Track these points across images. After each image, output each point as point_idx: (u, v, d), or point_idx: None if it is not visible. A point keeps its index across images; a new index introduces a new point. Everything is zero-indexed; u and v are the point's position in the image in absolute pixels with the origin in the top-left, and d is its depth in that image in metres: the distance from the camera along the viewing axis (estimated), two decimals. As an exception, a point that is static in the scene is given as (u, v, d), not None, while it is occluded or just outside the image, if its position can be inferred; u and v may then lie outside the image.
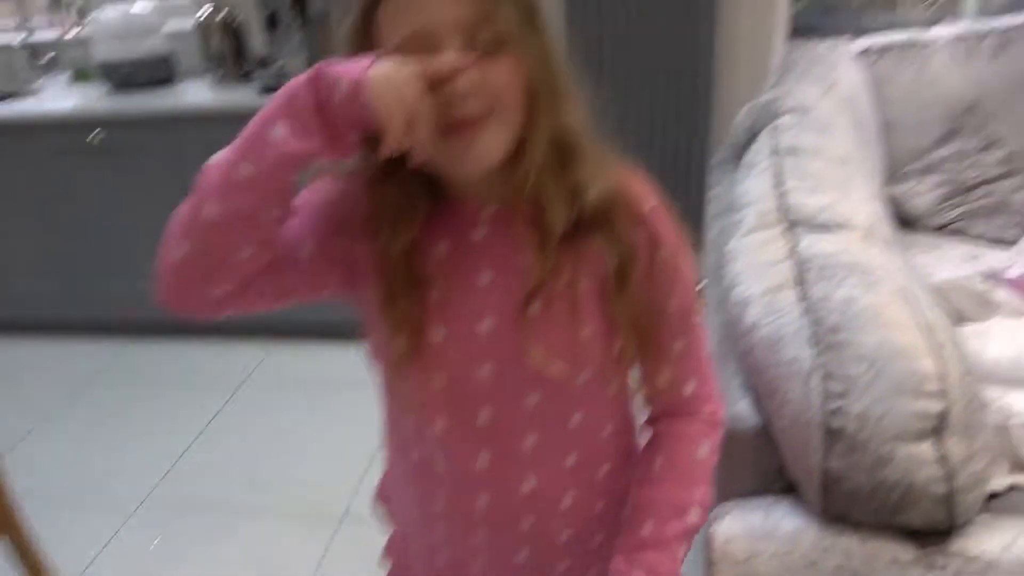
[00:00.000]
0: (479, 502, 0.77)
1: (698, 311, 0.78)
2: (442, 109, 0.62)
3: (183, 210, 0.66)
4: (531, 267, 0.68)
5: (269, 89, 2.38)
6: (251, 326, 2.66)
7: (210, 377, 2.55)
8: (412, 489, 0.82)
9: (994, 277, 1.64)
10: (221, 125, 2.29)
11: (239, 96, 2.42)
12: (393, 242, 0.69)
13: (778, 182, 1.27)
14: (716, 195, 1.68)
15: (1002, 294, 1.49)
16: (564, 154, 0.68)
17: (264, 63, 2.62)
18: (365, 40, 0.66)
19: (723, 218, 1.49)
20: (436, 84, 0.61)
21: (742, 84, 2.60)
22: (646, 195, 0.73)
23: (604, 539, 0.80)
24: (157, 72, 2.64)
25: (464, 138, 0.64)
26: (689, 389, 0.78)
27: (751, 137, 1.64)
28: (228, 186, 0.64)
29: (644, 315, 0.73)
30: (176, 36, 2.77)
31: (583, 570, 0.82)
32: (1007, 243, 1.99)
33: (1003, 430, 1.07)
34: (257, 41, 2.64)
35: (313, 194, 0.73)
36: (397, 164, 0.65)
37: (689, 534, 0.77)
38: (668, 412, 0.80)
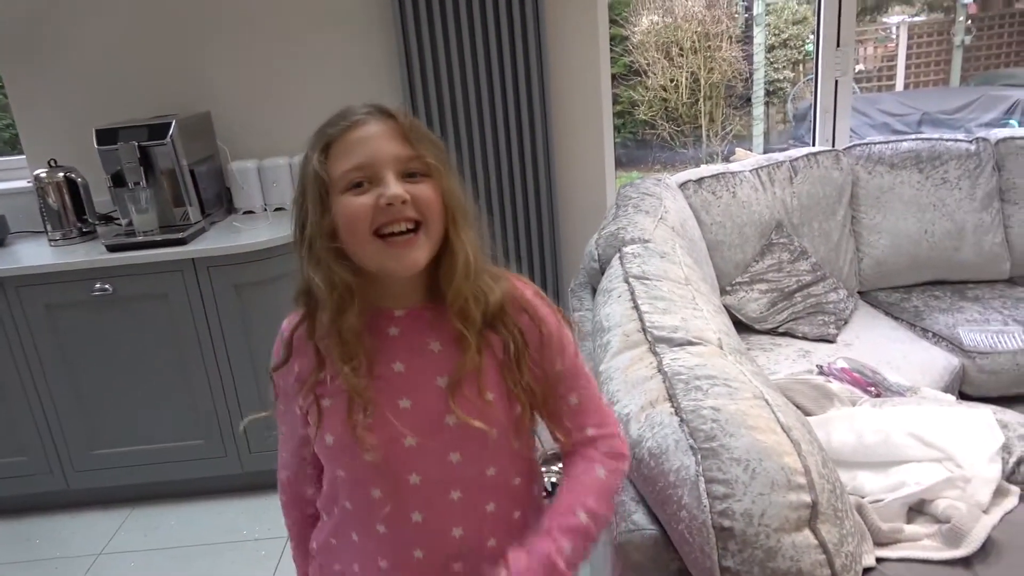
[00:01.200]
0: (416, 552, 0.91)
1: (584, 369, 0.97)
2: (389, 224, 0.83)
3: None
4: (446, 354, 0.88)
5: (115, 248, 2.30)
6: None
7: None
8: (355, 544, 0.94)
9: (826, 371, 1.84)
10: (61, 285, 2.21)
11: (81, 254, 2.31)
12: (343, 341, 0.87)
13: (635, 305, 1.40)
14: (580, 318, 1.80)
15: (836, 386, 1.68)
16: (470, 265, 0.87)
17: (108, 220, 2.55)
18: (323, 169, 0.85)
19: (590, 340, 1.60)
20: (386, 206, 0.82)
21: (581, 216, 2.85)
22: (526, 288, 0.94)
23: None
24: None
25: (403, 247, 0.84)
26: (591, 432, 0.96)
27: (602, 264, 1.80)
28: None
29: (541, 381, 0.91)
30: (8, 195, 2.66)
31: None
32: (830, 339, 2.26)
33: (861, 509, 1.19)
34: (102, 199, 2.57)
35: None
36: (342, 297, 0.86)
37: (575, 531, 0.90)
38: (575, 452, 0.97)
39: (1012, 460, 1.46)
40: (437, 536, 0.91)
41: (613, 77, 2.82)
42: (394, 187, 0.83)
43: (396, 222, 0.83)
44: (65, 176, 2.47)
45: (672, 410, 1.04)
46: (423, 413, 0.88)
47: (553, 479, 2.23)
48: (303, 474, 1.02)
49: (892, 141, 2.63)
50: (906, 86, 7.78)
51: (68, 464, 2.48)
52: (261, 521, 2.42)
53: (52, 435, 2.45)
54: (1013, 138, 2.63)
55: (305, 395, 0.90)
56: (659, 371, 1.16)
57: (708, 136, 7.66)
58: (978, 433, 1.46)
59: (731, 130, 7.68)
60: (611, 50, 2.77)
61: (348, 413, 0.86)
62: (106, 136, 2.36)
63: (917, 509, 1.36)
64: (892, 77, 7.87)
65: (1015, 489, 1.39)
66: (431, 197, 0.85)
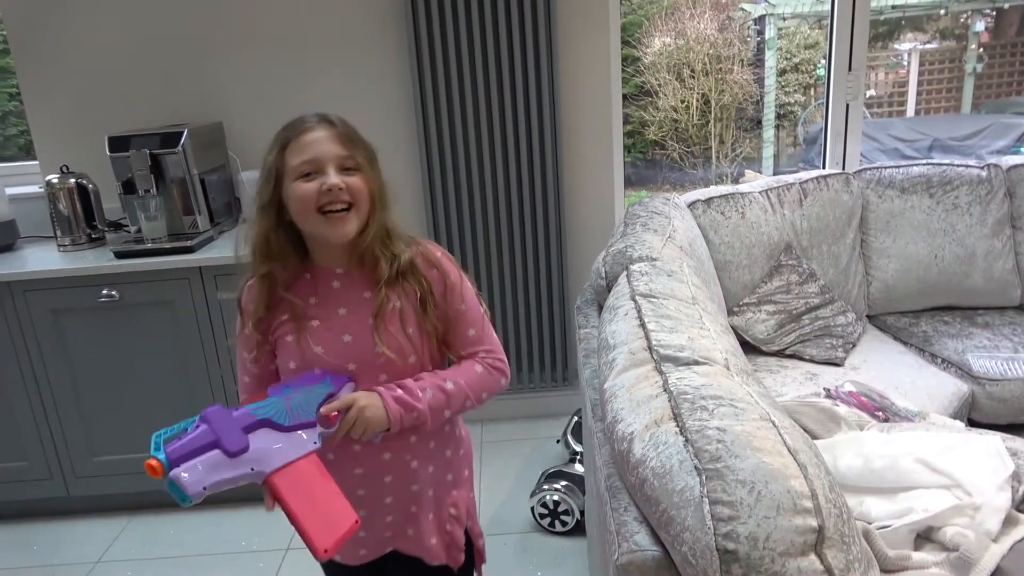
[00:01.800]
0: (355, 447, 1.22)
1: (480, 312, 1.28)
2: (329, 204, 1.13)
3: None
4: (372, 300, 1.18)
5: (123, 254, 2.31)
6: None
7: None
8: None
9: (833, 394, 1.83)
10: (68, 290, 2.22)
11: (89, 260, 2.32)
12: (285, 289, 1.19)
13: (641, 323, 1.39)
14: (586, 335, 1.79)
15: (843, 409, 1.66)
16: (388, 235, 1.20)
17: (118, 227, 2.56)
18: (279, 161, 1.15)
19: (596, 357, 1.58)
20: (327, 191, 1.12)
21: (589, 233, 2.84)
22: (436, 250, 1.25)
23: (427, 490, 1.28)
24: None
25: (336, 222, 1.14)
26: (482, 353, 1.27)
27: (609, 281, 1.79)
28: None
29: (445, 320, 1.23)
30: (20, 200, 2.68)
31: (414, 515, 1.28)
32: (837, 362, 2.24)
33: (867, 534, 1.17)
34: (112, 205, 2.59)
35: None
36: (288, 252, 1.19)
37: (439, 387, 1.19)
38: (466, 358, 1.27)
39: (1022, 489, 1.44)
40: (369, 451, 1.23)
41: (624, 97, 2.82)
42: (334, 178, 1.12)
43: (334, 203, 1.13)
44: (76, 182, 2.49)
45: (677, 429, 1.03)
46: (360, 344, 1.18)
47: (555, 496, 2.21)
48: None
49: (903, 165, 2.63)
50: (917, 112, 7.79)
51: (69, 470, 2.47)
52: (259, 533, 2.40)
53: (54, 440, 2.44)
54: (1025, 165, 2.62)
55: (269, 333, 1.21)
56: (665, 390, 1.14)
57: (718, 157, 7.67)
58: (988, 461, 1.44)
59: (741, 152, 7.69)
60: (623, 70, 2.78)
61: (297, 343, 1.17)
62: (118, 143, 2.37)
63: (925, 536, 1.34)
64: (903, 103, 7.88)
65: (1025, 519, 1.37)
66: (360, 186, 1.15)
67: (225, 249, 2.36)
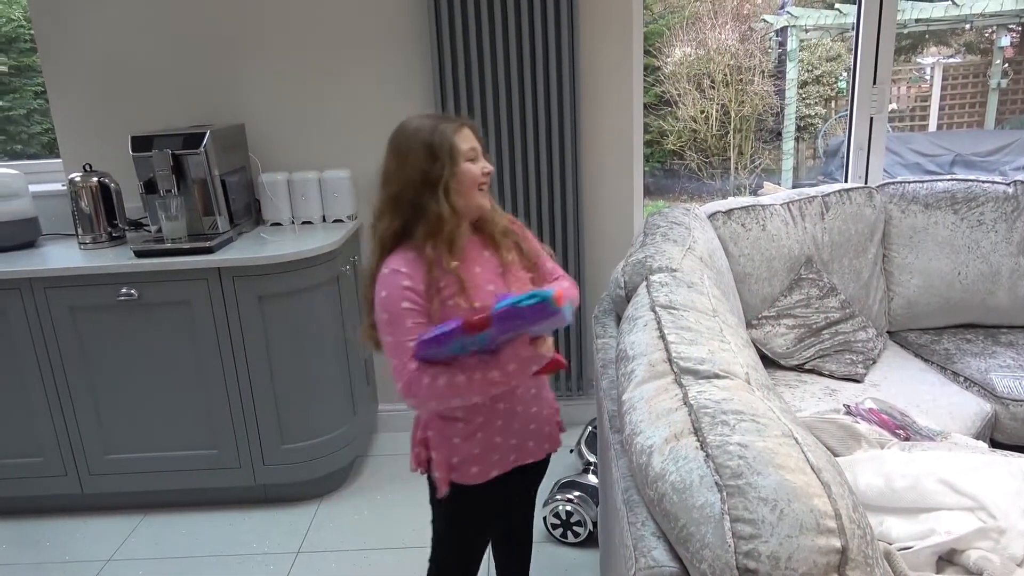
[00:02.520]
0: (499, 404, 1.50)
1: (545, 254, 1.61)
2: (484, 181, 1.45)
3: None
4: (492, 256, 1.50)
5: (143, 254, 2.32)
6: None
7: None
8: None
9: (853, 411, 1.80)
10: (87, 288, 2.23)
11: (109, 259, 2.33)
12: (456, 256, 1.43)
13: (661, 335, 1.37)
14: (603, 344, 1.77)
15: (864, 427, 1.63)
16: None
17: (138, 226, 2.58)
18: (443, 148, 1.39)
19: (614, 367, 1.57)
20: (486, 173, 1.45)
21: (607, 242, 2.83)
22: (513, 219, 1.56)
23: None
24: (20, 234, 2.54)
25: (484, 194, 1.46)
26: (559, 275, 1.61)
27: (628, 291, 1.77)
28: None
29: (533, 259, 1.55)
30: (43, 198, 2.71)
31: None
32: (857, 378, 2.21)
33: (889, 556, 1.14)
34: (133, 204, 2.61)
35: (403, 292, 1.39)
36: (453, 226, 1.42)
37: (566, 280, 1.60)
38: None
39: (1048, 514, 1.41)
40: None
41: (644, 106, 2.81)
42: (488, 164, 1.45)
43: (485, 181, 1.45)
44: (99, 181, 2.51)
45: (697, 444, 1.01)
46: (499, 290, 1.45)
47: (568, 507, 2.19)
48: None
49: (927, 181, 2.59)
50: (939, 127, 7.72)
51: (83, 467, 2.49)
52: (271, 535, 2.40)
53: (69, 437, 2.46)
54: (1052, 182, 2.58)
55: (431, 299, 1.39)
56: (684, 403, 1.13)
57: (736, 169, 7.63)
58: (1012, 483, 1.41)
59: (760, 164, 7.64)
60: (643, 80, 2.77)
61: (460, 294, 1.39)
62: (141, 143, 2.39)
63: (947, 559, 1.31)
64: (925, 117, 7.81)
65: (1051, 544, 1.34)
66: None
67: (244, 250, 2.36)
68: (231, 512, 2.54)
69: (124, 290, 2.30)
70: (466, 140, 1.41)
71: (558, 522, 2.23)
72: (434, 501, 1.60)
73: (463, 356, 1.33)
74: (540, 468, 1.66)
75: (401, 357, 1.36)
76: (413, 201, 1.38)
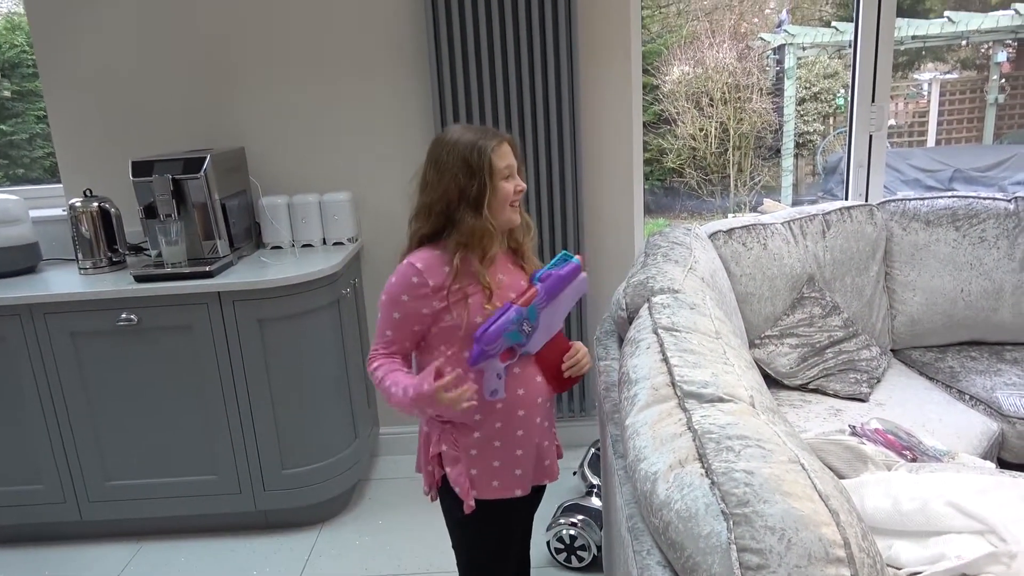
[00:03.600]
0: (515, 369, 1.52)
1: None
2: (515, 200, 1.50)
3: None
4: (515, 269, 1.56)
5: (143, 278, 2.31)
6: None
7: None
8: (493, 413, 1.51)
9: (859, 432, 1.78)
10: (87, 313, 2.22)
11: (109, 284, 2.33)
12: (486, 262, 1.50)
13: (664, 358, 1.36)
14: (606, 367, 1.76)
15: (870, 448, 1.61)
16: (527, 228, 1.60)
17: (138, 251, 2.58)
18: (482, 167, 1.44)
19: (616, 391, 1.56)
20: (519, 191, 1.50)
21: (608, 262, 2.82)
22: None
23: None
24: (21, 260, 2.54)
25: (516, 211, 1.51)
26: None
27: (630, 313, 1.76)
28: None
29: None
30: (44, 223, 2.71)
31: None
32: (862, 398, 2.19)
33: (899, 585, 1.12)
34: (133, 229, 2.61)
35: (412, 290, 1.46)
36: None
37: None
38: None
39: (1059, 536, 1.39)
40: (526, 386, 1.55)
41: (643, 125, 2.82)
42: (521, 183, 1.50)
43: (517, 199, 1.50)
44: (99, 206, 2.51)
45: (703, 471, 1.00)
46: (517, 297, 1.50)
47: (571, 531, 2.17)
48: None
49: (928, 198, 2.59)
50: (938, 142, 7.74)
51: (83, 494, 2.47)
52: (271, 562, 2.37)
53: (68, 464, 2.44)
54: (1053, 198, 2.57)
55: (449, 296, 1.45)
56: (689, 428, 1.11)
57: (736, 186, 7.64)
58: (1022, 506, 1.39)
59: (759, 181, 7.66)
60: (642, 98, 2.78)
61: (487, 300, 1.46)
62: (141, 168, 2.39)
63: (958, 585, 1.29)
64: (924, 133, 7.83)
65: (1063, 568, 1.32)
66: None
67: (244, 274, 2.36)
68: (231, 538, 2.51)
69: (124, 315, 2.29)
70: (503, 157, 1.46)
71: (562, 546, 2.21)
72: (452, 524, 1.58)
73: (510, 345, 1.44)
74: (543, 490, 1.68)
75: (378, 337, 1.51)
76: (447, 212, 1.46)
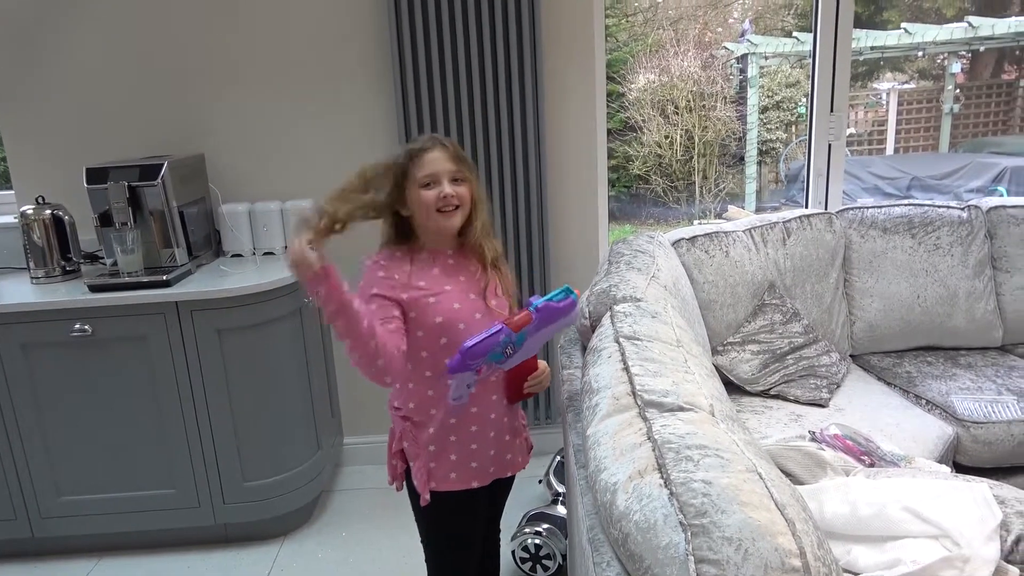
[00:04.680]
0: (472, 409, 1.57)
1: None
2: (443, 205, 1.50)
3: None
4: (478, 272, 1.58)
5: (97, 288, 2.26)
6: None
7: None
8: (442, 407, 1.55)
9: (818, 437, 1.80)
10: (39, 324, 2.16)
11: (62, 294, 2.27)
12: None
13: (625, 367, 1.36)
14: (569, 376, 1.76)
15: (829, 454, 1.63)
16: (488, 230, 1.59)
17: (93, 259, 2.51)
18: (403, 176, 1.51)
19: (579, 400, 1.55)
20: (442, 197, 1.49)
21: (573, 268, 2.82)
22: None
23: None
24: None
25: (448, 216, 1.52)
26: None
27: (593, 322, 1.77)
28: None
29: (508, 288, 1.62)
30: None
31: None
32: (822, 403, 2.22)
33: (855, 591, 1.13)
34: (88, 237, 2.54)
35: (372, 285, 1.50)
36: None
37: None
38: None
39: (1010, 539, 1.42)
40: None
41: (609, 132, 2.83)
42: (448, 188, 1.50)
43: (447, 205, 1.50)
44: (52, 214, 2.44)
45: (661, 481, 1.00)
46: (479, 301, 1.55)
47: (536, 540, 2.16)
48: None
49: (885, 206, 2.64)
50: (896, 150, 7.92)
51: (34, 510, 2.39)
52: (232, 576, 2.32)
53: (19, 479, 2.37)
54: (1004, 207, 2.64)
55: (412, 294, 1.49)
56: (649, 438, 1.11)
57: (701, 193, 7.73)
58: (976, 510, 1.41)
59: (724, 188, 7.76)
60: (608, 106, 2.79)
61: (441, 301, 1.50)
62: (96, 175, 2.34)
63: (914, 589, 1.31)
64: (883, 141, 8.01)
65: (1014, 570, 1.35)
66: (464, 194, 1.53)
67: (203, 283, 2.31)
68: (190, 553, 2.45)
69: (77, 326, 2.23)
70: (425, 166, 1.50)
71: (527, 556, 2.20)
72: (419, 517, 1.65)
73: (488, 363, 1.42)
74: (510, 482, 1.76)
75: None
76: (393, 218, 1.56)
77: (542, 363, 1.63)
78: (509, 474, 1.70)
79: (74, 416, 2.33)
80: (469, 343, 1.39)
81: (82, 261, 2.52)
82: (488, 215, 1.60)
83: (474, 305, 1.55)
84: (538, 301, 1.46)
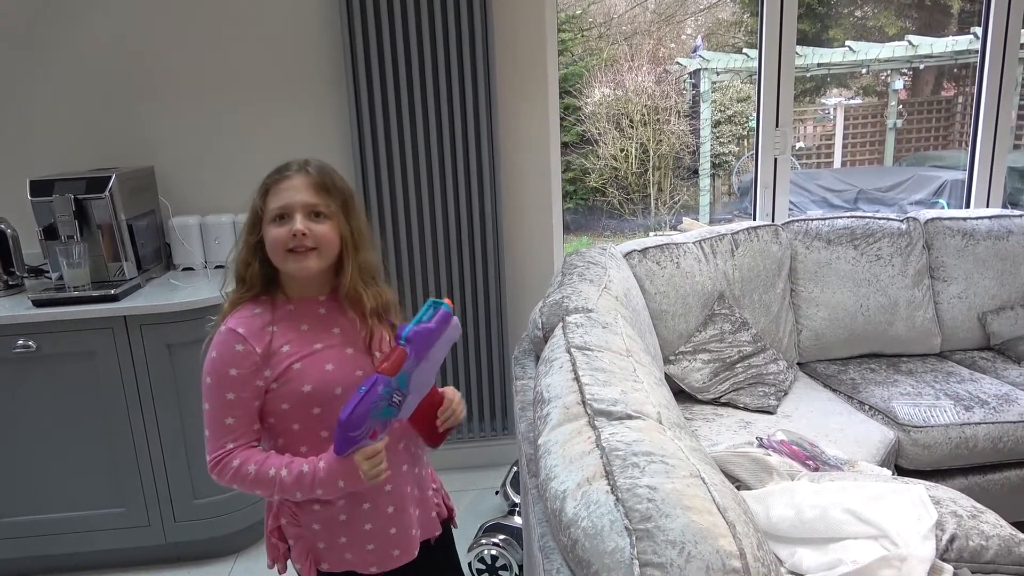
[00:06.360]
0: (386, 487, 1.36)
1: None
2: (295, 244, 1.24)
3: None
4: (357, 321, 1.33)
5: (42, 303, 2.21)
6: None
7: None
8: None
9: (766, 443, 1.85)
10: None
11: (5, 309, 2.21)
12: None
13: (575, 376, 1.38)
14: (522, 386, 1.77)
15: (775, 459, 1.68)
16: (369, 275, 1.34)
17: (38, 273, 2.45)
18: (260, 205, 1.27)
19: (531, 410, 1.57)
20: (292, 236, 1.24)
21: (528, 281, 2.85)
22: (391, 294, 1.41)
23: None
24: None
25: (301, 259, 1.26)
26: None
27: (546, 332, 1.79)
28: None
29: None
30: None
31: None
32: (770, 410, 2.28)
33: (797, 591, 1.17)
34: (33, 251, 2.48)
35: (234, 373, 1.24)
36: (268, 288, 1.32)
37: None
38: None
39: (945, 538, 1.48)
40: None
41: (566, 145, 2.88)
42: (299, 224, 1.24)
43: (299, 245, 1.25)
44: (-6, 227, 2.38)
45: (608, 488, 1.02)
46: (360, 356, 1.32)
47: (493, 551, 2.17)
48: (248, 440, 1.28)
49: (828, 218, 2.73)
50: (843, 164, 8.16)
51: (-26, 533, 2.31)
52: (183, 596, 2.28)
53: (-42, 501, 2.29)
54: (940, 219, 2.75)
55: (275, 365, 1.26)
56: (597, 446, 1.13)
57: (657, 205, 7.85)
58: (912, 510, 1.47)
59: (679, 200, 7.90)
60: (564, 119, 2.84)
61: (311, 365, 1.27)
62: (40, 187, 2.29)
63: (854, 589, 1.35)
64: (831, 154, 8.25)
65: (948, 568, 1.40)
66: (325, 232, 1.27)
67: (152, 297, 2.28)
68: (141, 573, 2.40)
69: (21, 342, 2.17)
70: (280, 196, 1.25)
71: (483, 567, 2.20)
72: None
73: (379, 423, 1.23)
74: (444, 539, 1.53)
75: (216, 431, 1.24)
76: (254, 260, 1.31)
77: (448, 390, 1.40)
78: (426, 537, 1.46)
79: (17, 435, 2.26)
80: (344, 413, 1.19)
81: (26, 275, 2.46)
82: (372, 255, 1.34)
83: (354, 361, 1.30)
84: (406, 330, 1.25)
